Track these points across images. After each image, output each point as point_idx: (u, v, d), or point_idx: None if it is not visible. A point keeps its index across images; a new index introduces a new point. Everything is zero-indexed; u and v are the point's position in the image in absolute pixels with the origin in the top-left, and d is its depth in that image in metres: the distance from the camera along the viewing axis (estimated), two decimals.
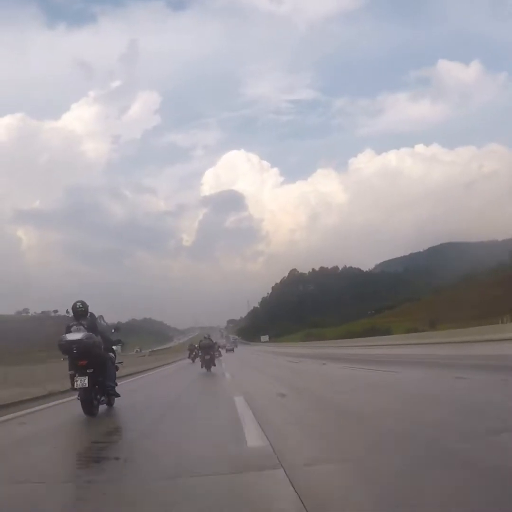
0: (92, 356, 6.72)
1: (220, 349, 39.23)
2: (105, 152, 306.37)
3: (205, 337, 20.71)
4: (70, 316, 7.43)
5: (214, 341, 21.82)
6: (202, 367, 19.11)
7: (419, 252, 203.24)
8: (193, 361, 31.07)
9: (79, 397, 6.81)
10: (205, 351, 19.31)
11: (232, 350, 57.45)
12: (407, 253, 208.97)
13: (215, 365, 19.45)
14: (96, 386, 6.96)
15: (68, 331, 6.85)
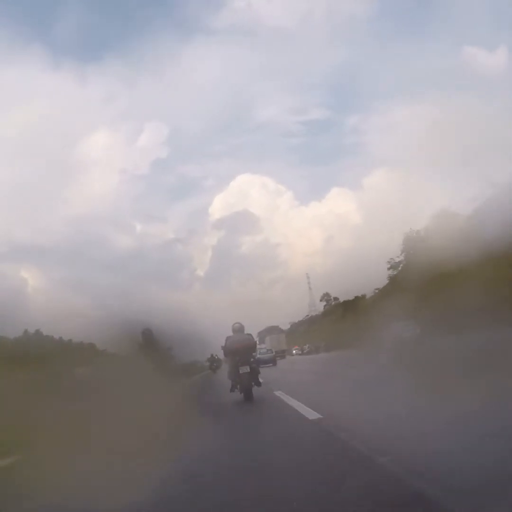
0: None
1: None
2: (113, 184, 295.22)
3: (235, 327, 9.85)
4: None
5: (254, 339, 10.68)
6: (232, 390, 9.43)
7: None
8: (215, 372, 27.23)
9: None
10: (239, 357, 9.20)
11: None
12: None
13: (260, 385, 9.55)
14: None
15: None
